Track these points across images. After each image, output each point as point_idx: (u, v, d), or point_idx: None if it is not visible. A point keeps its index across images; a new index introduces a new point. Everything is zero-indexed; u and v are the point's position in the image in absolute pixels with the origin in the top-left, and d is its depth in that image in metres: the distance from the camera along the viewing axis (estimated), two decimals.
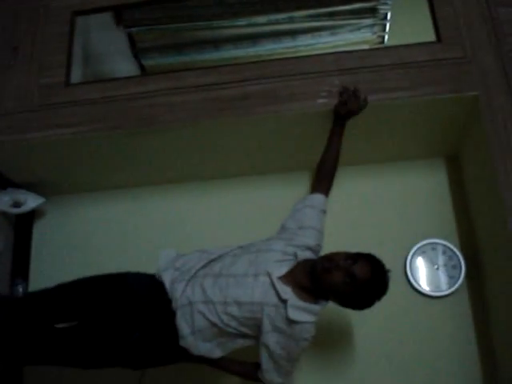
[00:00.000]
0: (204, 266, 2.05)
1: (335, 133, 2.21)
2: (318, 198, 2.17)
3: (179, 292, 1.98)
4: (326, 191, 2.20)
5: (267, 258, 1.99)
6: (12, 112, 2.43)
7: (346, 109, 2.18)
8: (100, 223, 2.88)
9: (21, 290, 2.84)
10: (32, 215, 2.91)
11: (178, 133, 2.39)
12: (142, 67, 2.83)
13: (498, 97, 2.20)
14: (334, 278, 1.85)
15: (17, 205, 2.72)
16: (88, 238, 2.85)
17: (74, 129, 2.36)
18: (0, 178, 2.67)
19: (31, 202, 2.72)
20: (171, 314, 1.99)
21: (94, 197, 2.90)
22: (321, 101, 2.26)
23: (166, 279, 2.05)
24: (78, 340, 2.04)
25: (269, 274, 1.93)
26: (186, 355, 2.04)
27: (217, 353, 2.04)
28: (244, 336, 2.01)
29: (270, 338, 1.94)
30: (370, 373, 2.50)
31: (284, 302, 1.90)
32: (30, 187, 2.74)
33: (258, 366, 2.04)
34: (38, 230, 2.92)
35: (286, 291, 1.91)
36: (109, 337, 2.01)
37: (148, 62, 2.83)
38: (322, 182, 2.21)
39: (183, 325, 1.97)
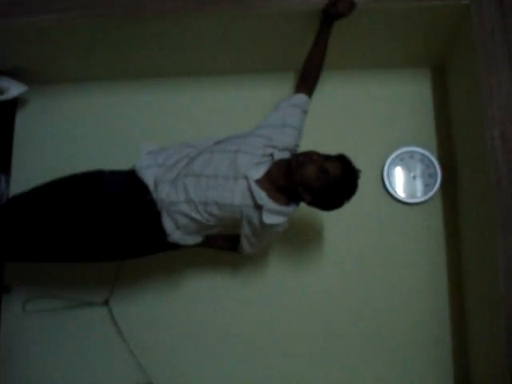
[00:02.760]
0: (186, 165, 2.10)
1: (322, 33, 2.20)
2: (302, 98, 2.19)
3: (164, 194, 2.04)
4: (310, 92, 2.22)
5: (246, 161, 2.03)
6: None
7: (336, 10, 2.15)
8: (84, 114, 2.86)
9: (3, 179, 2.85)
10: (15, 104, 2.87)
11: (165, 24, 2.35)
12: None
13: (489, 7, 2.18)
14: (307, 172, 1.93)
15: None
16: (71, 129, 2.83)
17: (59, 14, 2.30)
18: None
19: (14, 89, 2.67)
20: (157, 215, 2.06)
21: (79, 87, 2.87)
22: None
23: (149, 178, 2.09)
24: (66, 238, 2.10)
25: (247, 178, 1.99)
26: (173, 245, 2.16)
27: (198, 239, 2.18)
28: (222, 225, 2.13)
29: (248, 230, 2.09)
30: (338, 272, 2.62)
31: (259, 207, 1.99)
32: (14, 75, 2.68)
33: (236, 238, 2.20)
34: (21, 119, 2.89)
35: (262, 196, 1.99)
36: (97, 235, 2.08)
37: None
38: (307, 82, 2.22)
39: (168, 223, 2.06)
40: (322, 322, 2.59)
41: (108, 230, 2.09)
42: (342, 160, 1.98)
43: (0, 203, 2.75)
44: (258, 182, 2.02)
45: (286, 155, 2.10)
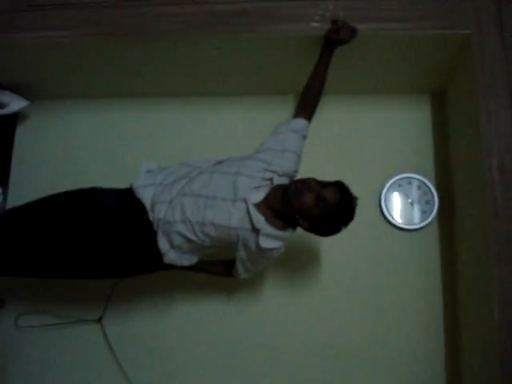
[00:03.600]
0: (185, 184, 2.09)
1: (323, 58, 2.21)
2: (301, 122, 2.19)
3: (161, 214, 2.04)
4: (309, 117, 2.22)
5: (246, 184, 2.03)
6: (1, 11, 2.35)
7: (337, 37, 2.17)
8: (84, 131, 2.86)
9: (0, 192, 2.84)
10: (15, 118, 2.88)
11: (167, 45, 2.36)
12: None
13: (490, 38, 2.20)
14: (305, 199, 1.93)
15: (0, 106, 2.68)
16: (71, 145, 2.84)
17: (61, 32, 2.32)
18: None
19: (15, 104, 2.69)
20: (152, 235, 2.06)
21: (80, 104, 2.88)
22: (314, 24, 2.23)
23: (146, 198, 2.09)
24: (60, 254, 2.09)
25: (246, 201, 1.99)
26: (168, 266, 2.15)
27: (194, 260, 2.15)
28: (217, 247, 2.13)
29: (244, 254, 2.08)
30: (334, 296, 2.60)
31: (257, 231, 1.99)
32: (15, 89, 2.70)
33: (231, 263, 2.19)
34: (21, 134, 2.90)
35: (260, 220, 1.99)
36: (92, 253, 2.07)
37: None
38: (306, 107, 2.21)
39: (163, 243, 2.06)
40: (317, 344, 2.58)
41: (103, 248, 2.07)
42: (340, 187, 1.98)
43: None
44: (257, 205, 2.02)
45: (285, 181, 2.10)
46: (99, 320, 2.60)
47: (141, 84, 2.73)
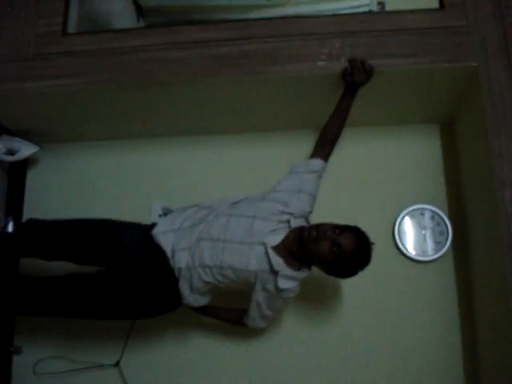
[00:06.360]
0: (203, 229, 2.11)
1: (344, 100, 2.22)
2: (319, 163, 2.22)
3: (182, 263, 2.07)
4: (327, 157, 2.25)
5: (263, 227, 2.07)
6: (8, 60, 2.38)
7: (351, 79, 2.17)
8: (94, 173, 2.87)
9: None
10: (26, 163, 2.90)
11: (175, 89, 2.37)
12: (138, 7, 2.79)
13: (497, 69, 2.20)
14: (320, 247, 1.96)
15: (11, 152, 2.69)
16: (81, 188, 2.84)
17: (70, 80, 2.33)
18: None
19: (25, 150, 2.69)
20: (174, 280, 2.10)
21: (89, 147, 2.89)
22: (320, 63, 2.24)
23: (167, 245, 2.11)
24: (81, 294, 2.13)
25: (264, 245, 2.03)
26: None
27: (209, 298, 2.23)
28: (233, 288, 2.16)
29: (260, 296, 2.11)
30: (347, 329, 2.58)
31: (275, 272, 2.02)
32: (25, 135, 2.70)
33: (244, 312, 2.25)
34: (32, 178, 2.91)
35: (279, 263, 2.02)
36: (114, 296, 2.12)
37: (146, 2, 2.78)
38: (324, 147, 2.25)
39: (184, 287, 2.10)
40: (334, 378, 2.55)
41: (124, 293, 2.11)
42: (356, 233, 2.01)
43: None
44: (275, 248, 2.04)
45: (301, 222, 2.13)
46: (117, 364, 2.58)
47: (149, 125, 2.73)
